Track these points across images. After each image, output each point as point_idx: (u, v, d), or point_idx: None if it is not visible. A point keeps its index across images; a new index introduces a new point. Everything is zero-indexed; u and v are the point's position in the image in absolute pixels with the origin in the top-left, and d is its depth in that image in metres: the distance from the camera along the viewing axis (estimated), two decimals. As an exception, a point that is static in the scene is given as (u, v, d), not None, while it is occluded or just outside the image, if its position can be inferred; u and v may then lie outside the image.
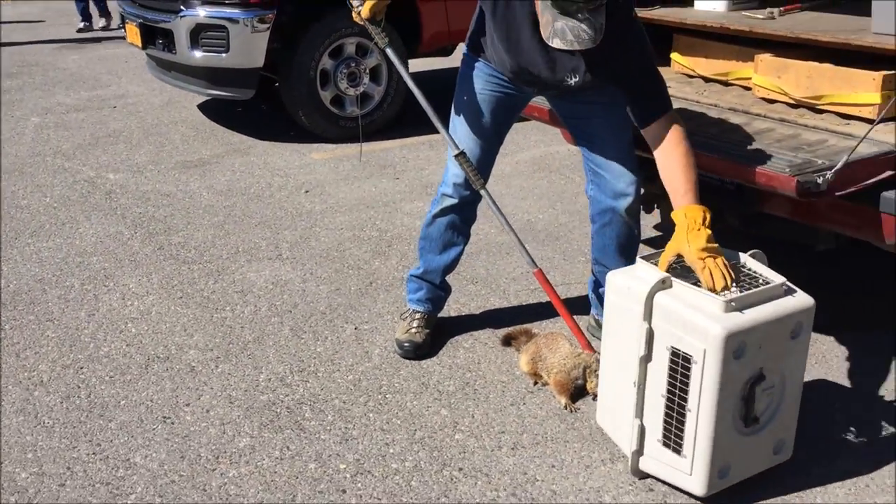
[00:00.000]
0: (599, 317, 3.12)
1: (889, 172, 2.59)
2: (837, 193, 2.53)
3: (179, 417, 2.71)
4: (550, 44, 2.37)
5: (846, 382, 2.87)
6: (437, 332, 3.14)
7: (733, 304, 2.18)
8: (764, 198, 2.94)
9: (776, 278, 2.30)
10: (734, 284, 2.26)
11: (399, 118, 5.86)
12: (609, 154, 2.86)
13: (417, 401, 2.79)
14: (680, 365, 2.21)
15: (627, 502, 2.31)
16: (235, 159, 5.41)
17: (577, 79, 2.62)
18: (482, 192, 2.90)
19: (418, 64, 6.33)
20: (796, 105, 3.11)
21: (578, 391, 2.76)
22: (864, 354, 3.00)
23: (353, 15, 2.94)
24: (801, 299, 2.29)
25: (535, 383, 2.86)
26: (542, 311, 3.33)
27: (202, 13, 5.39)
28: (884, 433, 2.59)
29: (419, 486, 2.38)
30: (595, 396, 2.72)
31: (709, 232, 2.35)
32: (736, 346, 2.13)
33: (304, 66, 5.52)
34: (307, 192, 4.79)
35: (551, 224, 4.24)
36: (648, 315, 2.27)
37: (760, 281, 2.31)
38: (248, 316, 3.37)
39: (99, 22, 10.31)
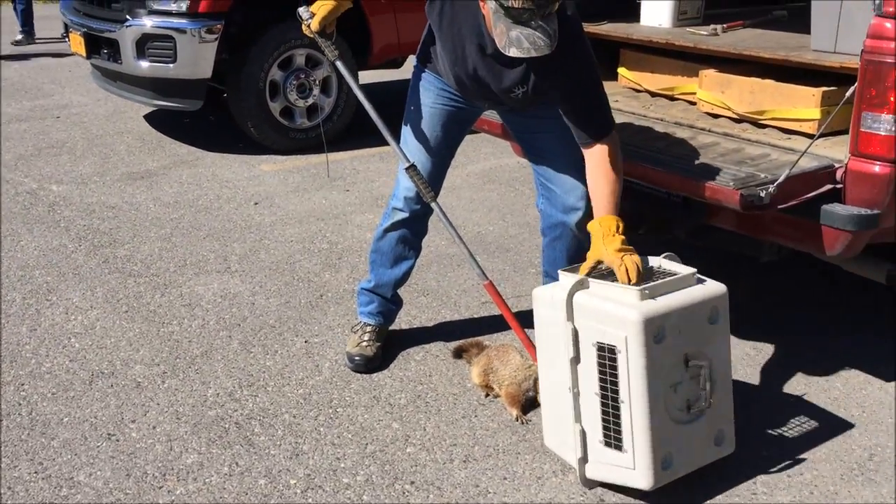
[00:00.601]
0: (550, 328, 3.15)
1: (828, 186, 2.65)
2: (780, 207, 2.59)
3: (125, 434, 2.66)
4: (507, 53, 2.39)
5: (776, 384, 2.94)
6: (388, 345, 3.13)
7: (647, 292, 2.28)
8: (710, 210, 2.99)
9: (687, 270, 2.41)
10: (649, 280, 2.37)
11: (349, 130, 5.84)
12: (559, 168, 2.89)
13: (368, 414, 2.77)
14: (607, 358, 2.28)
15: (578, 513, 2.32)
16: (183, 171, 5.33)
17: (524, 89, 2.64)
18: (433, 205, 2.90)
19: (368, 76, 6.33)
20: (739, 120, 3.18)
21: (530, 403, 2.77)
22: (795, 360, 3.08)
23: (303, 28, 2.93)
24: (713, 286, 2.41)
25: (487, 395, 2.86)
26: (493, 324, 3.34)
27: (148, 23, 5.32)
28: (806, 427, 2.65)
29: (371, 501, 2.37)
30: (546, 408, 2.74)
31: (622, 237, 2.48)
32: (655, 331, 2.22)
33: (253, 77, 5.48)
34: (256, 204, 4.75)
35: (501, 236, 4.27)
36: (571, 315, 2.35)
37: (672, 274, 2.41)
38: (196, 330, 3.32)
39: (17, 35, 9.72)
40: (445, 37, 2.68)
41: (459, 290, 3.68)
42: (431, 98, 2.92)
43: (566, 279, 2.51)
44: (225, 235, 4.28)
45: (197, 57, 5.32)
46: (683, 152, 2.94)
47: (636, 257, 2.43)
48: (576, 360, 2.37)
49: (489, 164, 5.44)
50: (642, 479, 2.28)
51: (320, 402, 2.84)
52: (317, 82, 5.72)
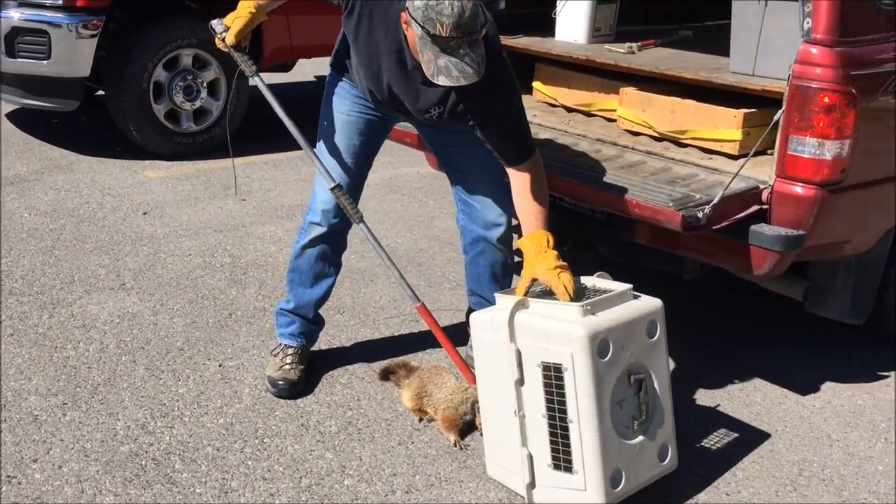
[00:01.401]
0: (477, 348, 3.08)
1: (755, 207, 2.72)
2: (714, 227, 2.62)
3: (27, 476, 2.39)
4: (436, 81, 2.32)
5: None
6: (308, 368, 2.98)
7: (588, 307, 2.28)
8: (636, 228, 3.01)
9: (623, 286, 2.43)
10: (584, 297, 2.38)
11: (239, 135, 5.58)
12: (478, 184, 2.84)
13: (299, 444, 2.62)
14: (553, 377, 2.25)
15: (531, 543, 2.26)
16: (58, 176, 4.94)
17: (440, 111, 2.57)
18: (360, 226, 2.77)
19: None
20: (660, 138, 3.22)
21: (467, 427, 2.69)
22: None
23: (217, 42, 2.78)
24: (649, 301, 2.43)
25: (421, 420, 2.76)
26: (416, 342, 3.25)
27: (17, 15, 4.90)
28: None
29: (313, 540, 2.23)
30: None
31: (555, 252, 2.47)
32: (599, 346, 2.22)
33: (135, 77, 5.14)
34: (145, 213, 4.45)
35: (411, 249, 4.17)
36: (513, 336, 2.31)
37: (608, 290, 2.42)
38: (94, 354, 3.05)
39: None
40: (361, 50, 2.58)
41: (376, 307, 3.55)
42: (347, 106, 2.81)
43: (504, 301, 2.48)
44: (114, 248, 3.98)
45: (73, 54, 4.94)
46: (613, 170, 2.94)
47: (569, 274, 2.42)
48: (520, 381, 2.32)
49: (388, 173, 5.32)
50: (594, 498, 2.25)
51: (244, 432, 2.66)
52: (204, 84, 5.44)
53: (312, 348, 3.06)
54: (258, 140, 5.46)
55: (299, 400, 2.84)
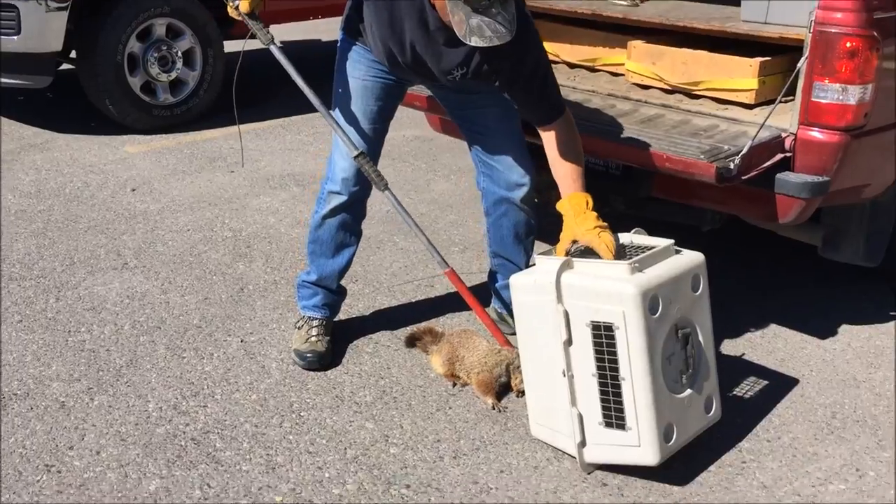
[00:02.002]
0: (501, 310, 3.07)
1: (780, 155, 2.72)
2: (743, 177, 2.62)
3: (66, 464, 2.32)
4: (468, 42, 2.26)
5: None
6: (332, 339, 2.93)
7: (636, 265, 2.27)
8: (654, 182, 3.00)
9: (665, 242, 2.43)
10: (626, 256, 2.38)
11: (217, 106, 5.46)
12: (499, 144, 2.80)
13: (337, 416, 2.58)
14: (603, 336, 2.24)
15: (586, 499, 2.26)
16: (35, 155, 4.78)
17: (463, 71, 2.52)
18: (386, 193, 2.72)
19: (233, 46, 5.92)
20: (672, 91, 3.20)
21: (502, 389, 2.68)
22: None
23: (230, 9, 2.70)
24: (692, 255, 2.43)
25: (454, 385, 2.74)
26: (434, 307, 3.22)
27: (-18, -12, 4.69)
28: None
29: (369, 511, 2.20)
30: (520, 394, 2.66)
31: (595, 213, 2.45)
32: (650, 303, 2.21)
33: (109, 49, 4.97)
34: (134, 190, 4.33)
35: (412, 215, 4.04)
36: (560, 297, 2.29)
37: (650, 247, 2.41)
38: (111, 336, 2.97)
39: None
40: (380, 13, 2.50)
41: (388, 274, 3.51)
42: (362, 71, 2.74)
43: (545, 263, 2.46)
44: (109, 227, 3.86)
45: (44, 28, 4.77)
46: (632, 125, 2.92)
47: (610, 233, 2.41)
48: (569, 342, 2.30)
49: (375, 138, 5.23)
50: (648, 454, 2.25)
51: (279, 406, 2.61)
52: (179, 54, 5.29)
53: (333, 319, 3.02)
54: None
55: (329, 372, 2.80)
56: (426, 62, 2.53)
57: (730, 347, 3.02)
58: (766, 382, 2.81)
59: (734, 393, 2.74)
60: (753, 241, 3.67)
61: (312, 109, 2.84)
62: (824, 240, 3.06)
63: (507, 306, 3.04)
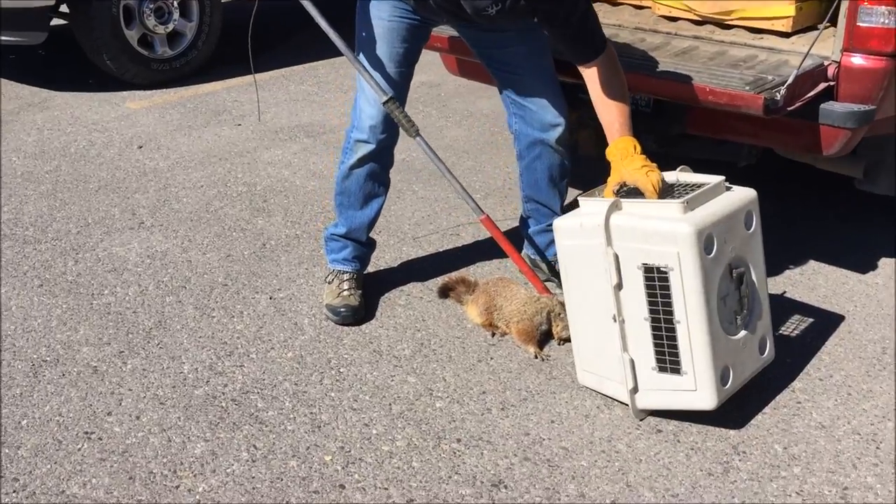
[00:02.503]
0: (534, 256, 2.99)
1: (824, 84, 2.62)
2: (789, 108, 2.53)
3: (105, 430, 2.25)
4: None
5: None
6: (364, 293, 2.85)
7: (688, 204, 2.18)
8: (687, 118, 2.91)
9: (716, 178, 2.33)
10: (675, 195, 2.29)
11: (215, 57, 5.30)
12: (532, 84, 2.69)
13: (377, 371, 2.51)
14: (656, 279, 2.16)
15: (642, 447, 2.21)
16: (35, 115, 4.64)
17: (499, 7, 2.39)
18: (418, 139, 2.62)
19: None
20: (702, 22, 3.08)
21: (544, 337, 2.61)
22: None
23: None
24: (744, 192, 2.34)
25: (493, 335, 2.68)
26: (463, 256, 3.15)
27: (-32, -58, 4.50)
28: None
29: (422, 467, 2.14)
30: (561, 342, 2.60)
31: (643, 156, 2.37)
32: (705, 242, 2.14)
33: (104, 2, 4.79)
34: (140, 147, 4.20)
35: (429, 163, 3.97)
36: (610, 240, 2.21)
37: (699, 185, 2.32)
38: (136, 298, 2.88)
39: None
40: None
41: (411, 223, 3.42)
42: (387, 12, 2.61)
43: (589, 204, 2.36)
44: (120, 186, 3.75)
45: (36, -19, 4.58)
46: (667, 58, 2.81)
47: (658, 173, 2.32)
48: (619, 286, 2.23)
49: (382, 85, 5.10)
50: (706, 398, 2.20)
51: (317, 363, 2.54)
52: (175, 5, 5.12)
53: (363, 272, 2.94)
54: (235, 62, 5.16)
55: (363, 326, 2.73)
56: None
57: (771, 285, 2.93)
58: (811, 320, 2.75)
59: (781, 332, 2.67)
60: (784, 175, 3.59)
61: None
62: (867, 171, 2.98)
63: (541, 252, 2.96)
